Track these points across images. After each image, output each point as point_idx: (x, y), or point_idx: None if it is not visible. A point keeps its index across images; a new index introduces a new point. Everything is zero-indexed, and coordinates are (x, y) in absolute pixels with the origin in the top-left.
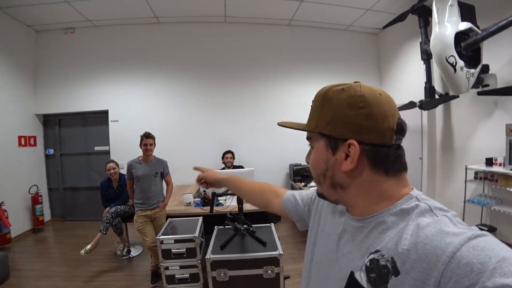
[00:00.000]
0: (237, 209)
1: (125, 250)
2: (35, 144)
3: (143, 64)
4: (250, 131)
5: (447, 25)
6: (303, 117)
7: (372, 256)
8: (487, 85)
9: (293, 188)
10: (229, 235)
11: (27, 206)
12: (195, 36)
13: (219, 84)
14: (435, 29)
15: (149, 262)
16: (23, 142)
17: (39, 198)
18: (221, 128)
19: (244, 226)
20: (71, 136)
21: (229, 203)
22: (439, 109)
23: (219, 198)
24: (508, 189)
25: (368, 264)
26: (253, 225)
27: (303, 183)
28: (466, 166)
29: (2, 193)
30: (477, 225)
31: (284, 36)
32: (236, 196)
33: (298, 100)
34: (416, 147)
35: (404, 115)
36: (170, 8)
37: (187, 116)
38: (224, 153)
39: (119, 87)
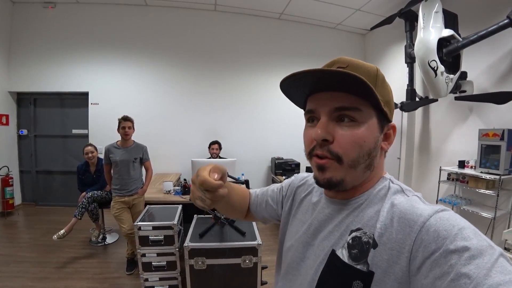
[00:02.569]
0: None
1: (101, 236)
2: (7, 123)
3: (128, 47)
4: (234, 122)
5: (431, 31)
6: (288, 111)
7: (354, 234)
8: (464, 91)
9: (274, 181)
10: (209, 224)
11: None
12: (184, 23)
13: (205, 73)
14: (420, 34)
15: (125, 250)
16: None
17: (10, 180)
18: (206, 117)
19: (224, 215)
20: (47, 117)
21: None
22: (418, 112)
23: None
24: (477, 190)
25: (350, 241)
26: None
27: (284, 177)
28: (440, 167)
29: None
30: None
31: (274, 29)
32: None
33: (282, 94)
34: (395, 147)
35: None
36: None
37: (171, 103)
38: (210, 144)
39: (101, 69)
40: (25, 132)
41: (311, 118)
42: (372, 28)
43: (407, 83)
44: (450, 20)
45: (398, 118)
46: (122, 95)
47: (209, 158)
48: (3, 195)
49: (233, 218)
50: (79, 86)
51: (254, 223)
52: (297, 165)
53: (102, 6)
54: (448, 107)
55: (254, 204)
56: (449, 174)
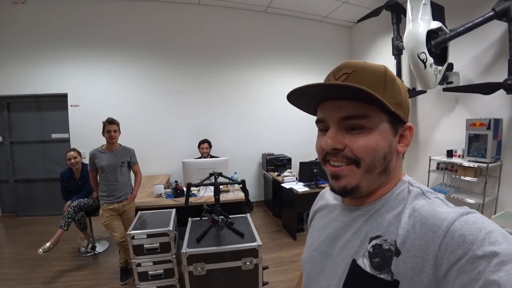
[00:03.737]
0: (212, 200)
1: (90, 246)
2: None
3: (108, 45)
4: (224, 119)
5: (420, 23)
6: (278, 106)
7: (374, 241)
8: (451, 82)
9: (265, 177)
10: (205, 227)
11: None
12: (167, 18)
13: (191, 70)
14: (409, 26)
15: (118, 259)
16: None
17: None
18: (194, 116)
19: (221, 217)
20: (24, 122)
21: (203, 194)
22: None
23: (192, 188)
24: (465, 178)
25: (371, 249)
26: (229, 216)
27: (276, 173)
28: (430, 157)
29: None
30: None
31: (260, 23)
32: (212, 187)
33: (272, 89)
34: None
35: None
36: None
37: (157, 102)
38: (200, 143)
39: (80, 68)
40: (0, 139)
41: (321, 127)
42: (359, 21)
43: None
44: (437, 12)
45: None
46: (104, 95)
47: (200, 157)
48: None
49: None
50: (57, 87)
51: (251, 222)
52: (289, 160)
53: (79, 1)
54: (435, 98)
55: None
56: (438, 164)
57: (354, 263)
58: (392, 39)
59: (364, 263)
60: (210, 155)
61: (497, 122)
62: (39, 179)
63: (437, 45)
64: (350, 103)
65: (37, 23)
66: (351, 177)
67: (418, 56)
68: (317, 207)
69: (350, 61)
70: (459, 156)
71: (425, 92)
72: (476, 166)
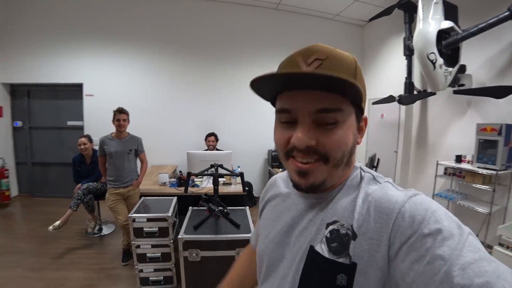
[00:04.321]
0: (212, 191)
1: (97, 228)
2: (1, 115)
3: (122, 38)
4: (231, 114)
5: (430, 22)
6: None
7: (331, 227)
8: (463, 85)
9: (270, 173)
10: (203, 216)
11: None
12: (179, 13)
13: (201, 65)
14: (419, 25)
15: (121, 241)
16: None
17: (5, 172)
18: (203, 109)
19: (219, 207)
20: (42, 109)
21: (205, 185)
22: (416, 105)
23: (195, 179)
24: (473, 185)
25: (328, 235)
26: (228, 208)
27: (281, 169)
28: (437, 161)
29: None
30: None
31: (271, 20)
32: (212, 178)
33: None
34: (392, 140)
35: (383, 108)
36: None
37: (168, 95)
38: (207, 136)
39: (96, 60)
40: (19, 124)
41: (286, 119)
42: (371, 20)
43: (406, 76)
44: (450, 11)
45: (396, 111)
46: (117, 86)
47: (206, 150)
48: None
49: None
50: (73, 77)
51: (249, 215)
52: None
53: None
54: (446, 101)
55: (255, 244)
56: (445, 169)
57: (311, 249)
58: (404, 38)
59: (322, 249)
60: (216, 148)
61: (509, 127)
62: (54, 163)
63: (448, 46)
64: (325, 95)
65: (57, 16)
66: (319, 173)
67: (427, 57)
68: (269, 196)
69: (319, 44)
70: (468, 162)
71: (434, 94)
72: (485, 173)
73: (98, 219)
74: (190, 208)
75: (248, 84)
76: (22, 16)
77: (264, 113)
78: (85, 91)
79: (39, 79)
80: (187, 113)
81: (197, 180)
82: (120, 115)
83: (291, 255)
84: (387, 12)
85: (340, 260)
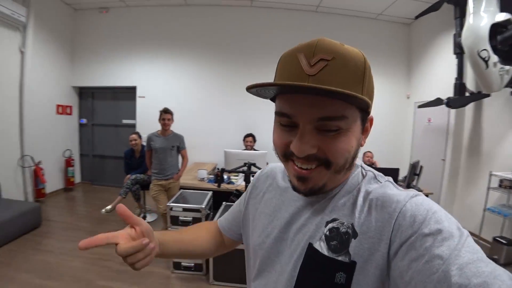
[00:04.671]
0: (244, 188)
1: (141, 215)
2: (70, 113)
3: (170, 45)
4: (269, 116)
5: (482, 16)
6: None
7: (330, 225)
8: None
9: None
10: None
11: (61, 168)
12: (222, 20)
13: (242, 68)
14: (469, 20)
15: (160, 228)
16: (60, 110)
17: (72, 161)
18: (243, 111)
19: None
20: (102, 108)
21: (240, 182)
22: (469, 109)
23: (231, 176)
24: None
25: (327, 233)
26: None
27: None
28: (490, 172)
29: (41, 154)
30: (495, 237)
31: (311, 22)
32: (244, 175)
33: None
34: (440, 148)
35: (431, 112)
36: None
37: (210, 97)
38: (245, 136)
39: (147, 65)
40: (85, 121)
41: (286, 123)
42: (417, 17)
43: (456, 76)
44: (507, 2)
45: (445, 115)
46: (165, 89)
47: (244, 150)
48: (66, 174)
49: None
50: (129, 81)
51: None
52: None
53: (148, 8)
54: (504, 104)
55: (226, 226)
56: (501, 181)
57: (310, 247)
58: (454, 35)
59: (321, 246)
60: (254, 148)
61: None
62: (110, 156)
63: (505, 41)
64: (328, 101)
65: (116, 28)
66: (319, 178)
67: (478, 54)
68: (266, 186)
69: (325, 40)
70: None
71: (488, 95)
72: None
73: (143, 207)
74: (223, 203)
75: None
76: (87, 30)
77: None
78: (138, 93)
79: (101, 83)
80: (228, 114)
81: (233, 178)
82: (165, 115)
83: (288, 251)
84: (435, 7)
85: (340, 258)
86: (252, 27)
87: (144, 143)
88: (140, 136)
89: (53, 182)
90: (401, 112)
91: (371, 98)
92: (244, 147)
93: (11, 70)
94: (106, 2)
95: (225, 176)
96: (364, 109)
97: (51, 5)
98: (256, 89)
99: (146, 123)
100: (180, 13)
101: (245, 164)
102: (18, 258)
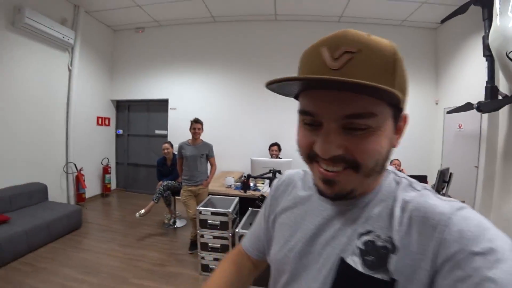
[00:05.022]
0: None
1: (172, 220)
2: (109, 124)
3: (199, 60)
4: (293, 124)
5: (510, 16)
6: None
7: (365, 238)
8: None
9: None
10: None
11: (99, 175)
12: (248, 34)
13: (267, 78)
14: (496, 21)
15: (190, 233)
16: (100, 122)
17: (109, 169)
18: (269, 120)
19: None
20: (137, 120)
21: (266, 189)
22: (503, 113)
23: (257, 184)
24: None
25: (362, 247)
26: None
27: None
28: None
29: (82, 161)
30: None
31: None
32: (270, 181)
33: None
34: (472, 154)
35: (461, 118)
36: (225, 8)
37: (237, 107)
38: (270, 145)
39: (179, 79)
40: (121, 131)
41: (309, 121)
42: (443, 21)
43: (486, 79)
44: None
45: (477, 120)
46: (195, 101)
47: (270, 158)
48: (103, 180)
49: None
50: (161, 94)
51: None
52: None
53: (180, 27)
54: None
55: (250, 247)
56: None
57: (342, 262)
58: (483, 37)
59: (355, 261)
60: (279, 157)
61: None
62: (143, 164)
63: None
64: (355, 97)
65: (150, 46)
66: (347, 182)
67: (507, 55)
68: (287, 194)
69: (350, 31)
70: None
71: None
72: None
73: (173, 213)
74: (249, 209)
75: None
76: (125, 48)
77: None
78: (170, 105)
79: (136, 96)
80: (254, 124)
81: (259, 185)
82: (196, 125)
83: (316, 266)
84: (461, 10)
85: (378, 275)
86: (277, 39)
87: (176, 152)
88: (172, 145)
89: (92, 187)
90: (429, 118)
91: (404, 92)
92: (269, 156)
93: (60, 86)
94: (142, 22)
95: (251, 184)
96: (396, 105)
97: (94, 27)
98: (276, 85)
99: (177, 133)
100: (208, 29)
101: (270, 171)
102: (61, 255)
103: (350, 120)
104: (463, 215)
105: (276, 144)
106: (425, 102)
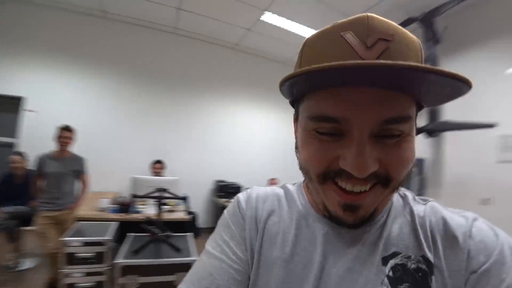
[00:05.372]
0: (155, 217)
1: (18, 261)
2: None
3: (77, 56)
4: (181, 143)
5: None
6: (232, 136)
7: (392, 261)
8: None
9: (215, 203)
10: (144, 241)
11: None
12: (139, 40)
13: (155, 92)
14: None
15: (46, 275)
16: None
17: None
18: (153, 136)
19: (161, 231)
20: None
21: (149, 211)
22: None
23: (139, 205)
24: None
25: (391, 273)
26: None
27: (225, 199)
28: None
29: None
30: None
31: (229, 58)
32: (156, 204)
33: (231, 120)
34: None
35: None
36: (121, 4)
37: (118, 119)
38: (154, 162)
39: (41, 74)
40: None
41: (328, 130)
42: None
43: None
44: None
45: None
46: (64, 106)
47: (152, 176)
48: None
49: None
50: (10, 89)
51: (191, 241)
52: (239, 187)
53: (50, 9)
54: None
55: None
56: None
57: None
58: None
59: None
60: (163, 175)
61: None
62: None
63: None
64: (395, 97)
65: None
66: (373, 203)
67: None
68: (269, 218)
69: (375, 16)
70: None
71: None
72: None
73: (20, 250)
74: (130, 234)
75: (199, 116)
76: None
77: (214, 144)
78: (26, 105)
79: None
80: (137, 139)
81: (140, 206)
82: (65, 133)
83: None
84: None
85: None
86: (171, 53)
87: (30, 167)
88: (25, 158)
89: None
90: None
91: None
92: (151, 174)
93: None
94: None
95: (130, 205)
96: (420, 106)
97: None
98: (294, 79)
99: (34, 143)
100: (92, 23)
101: (157, 190)
102: None
103: (388, 126)
104: (479, 226)
105: (159, 161)
106: None
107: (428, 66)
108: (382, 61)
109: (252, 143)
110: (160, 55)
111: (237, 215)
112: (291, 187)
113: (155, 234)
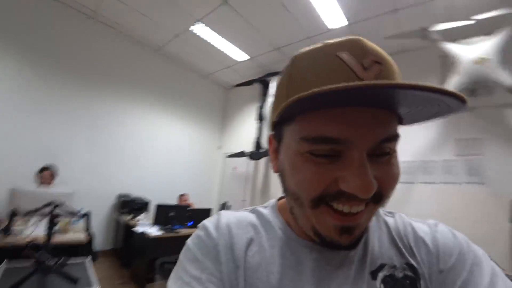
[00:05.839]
0: (42, 239)
1: None
2: None
3: None
4: (79, 147)
5: (270, 100)
6: (142, 145)
7: (381, 274)
8: None
9: (118, 221)
10: (25, 272)
11: None
12: (51, 18)
13: (56, 83)
14: (270, 99)
15: None
16: None
17: None
18: (44, 136)
19: (51, 257)
20: None
21: (32, 232)
22: (262, 161)
23: (17, 226)
24: None
25: (382, 286)
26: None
27: (129, 216)
28: None
29: None
30: None
31: (149, 62)
32: (44, 222)
33: (142, 131)
34: (242, 190)
35: (236, 161)
36: None
37: None
38: (41, 169)
39: None
40: None
41: (325, 152)
42: (237, 86)
43: (255, 136)
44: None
45: (246, 164)
46: None
47: (39, 186)
48: None
49: None
50: None
51: (90, 267)
52: (146, 203)
53: None
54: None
55: None
56: None
57: None
58: (258, 107)
59: None
60: (52, 184)
61: None
62: None
63: None
64: (386, 115)
65: None
66: (366, 221)
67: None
68: (249, 248)
69: (365, 40)
70: None
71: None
72: None
73: None
74: (5, 261)
75: (106, 119)
76: None
77: (120, 153)
78: None
79: None
80: (19, 137)
81: (19, 227)
82: None
83: None
84: (249, 83)
85: None
86: (84, 41)
87: None
88: None
89: None
90: (213, 160)
91: None
92: (37, 184)
93: None
94: None
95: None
96: (400, 123)
97: None
98: (299, 106)
99: None
100: None
101: (49, 204)
102: None
103: (381, 144)
104: (441, 231)
105: (48, 168)
106: (210, 147)
107: (435, 85)
108: (394, 82)
109: (165, 155)
110: (73, 40)
111: (207, 245)
112: (264, 211)
113: (43, 262)
